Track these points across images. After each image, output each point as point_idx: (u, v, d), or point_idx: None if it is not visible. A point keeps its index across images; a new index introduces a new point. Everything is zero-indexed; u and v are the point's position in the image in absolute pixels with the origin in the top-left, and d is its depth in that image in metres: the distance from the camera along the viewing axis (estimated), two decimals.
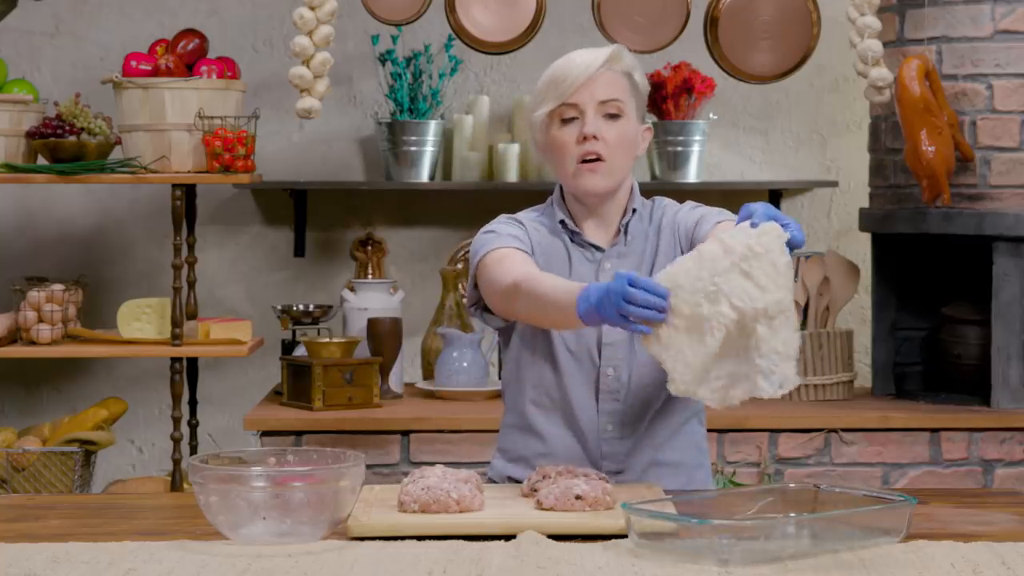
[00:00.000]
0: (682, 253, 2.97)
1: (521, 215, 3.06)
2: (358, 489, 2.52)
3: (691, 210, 3.04)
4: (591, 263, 2.99)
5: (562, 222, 3.01)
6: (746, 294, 2.53)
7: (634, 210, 3.02)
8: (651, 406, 3.00)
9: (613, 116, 2.94)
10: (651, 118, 5.00)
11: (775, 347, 2.54)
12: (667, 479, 2.96)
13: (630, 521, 2.41)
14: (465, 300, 3.10)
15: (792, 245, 2.59)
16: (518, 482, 3.03)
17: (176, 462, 4.60)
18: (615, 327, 2.66)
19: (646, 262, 3.00)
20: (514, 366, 3.06)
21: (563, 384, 3.00)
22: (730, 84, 4.89)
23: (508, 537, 2.46)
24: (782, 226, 2.59)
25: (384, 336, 4.64)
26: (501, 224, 3.01)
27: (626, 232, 3.01)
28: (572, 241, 3.01)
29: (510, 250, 2.91)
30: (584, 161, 2.94)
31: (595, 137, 2.92)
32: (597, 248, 3.00)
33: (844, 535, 2.43)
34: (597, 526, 2.51)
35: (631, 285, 2.58)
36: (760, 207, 2.61)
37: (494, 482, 3.08)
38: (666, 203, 3.09)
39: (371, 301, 4.73)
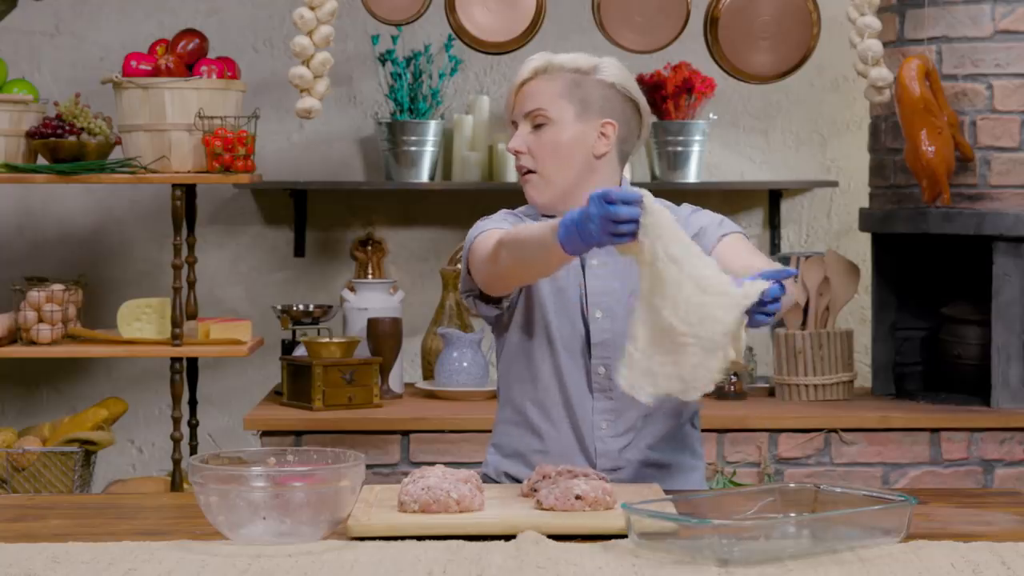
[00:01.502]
0: None
1: (519, 211, 3.09)
2: (358, 489, 2.53)
3: (691, 215, 3.03)
4: (578, 259, 3.01)
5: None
6: (684, 304, 2.50)
7: None
8: (644, 406, 3.00)
9: (539, 126, 2.98)
10: (651, 118, 4.99)
11: (676, 367, 2.53)
12: (660, 480, 2.96)
13: (630, 521, 2.41)
14: (459, 288, 3.11)
15: (763, 309, 2.54)
16: (514, 478, 3.05)
17: (176, 462, 4.60)
18: (602, 247, 2.62)
19: None
20: (510, 361, 3.06)
21: (560, 380, 3.01)
22: (730, 84, 4.89)
23: (508, 537, 2.46)
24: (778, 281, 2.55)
25: (384, 336, 4.64)
26: (496, 215, 3.05)
27: None
28: None
29: (499, 230, 2.93)
30: (523, 175, 3.02)
31: (519, 151, 2.99)
32: None
33: (844, 535, 2.43)
34: (597, 526, 2.51)
35: (609, 203, 2.53)
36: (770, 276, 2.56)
37: (489, 477, 3.09)
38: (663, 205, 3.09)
39: (371, 301, 4.73)
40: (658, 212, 2.54)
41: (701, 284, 2.52)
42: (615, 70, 3.03)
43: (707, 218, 3.02)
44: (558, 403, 3.02)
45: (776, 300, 2.55)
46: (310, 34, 4.36)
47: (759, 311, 2.55)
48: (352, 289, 4.79)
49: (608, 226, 2.54)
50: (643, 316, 2.54)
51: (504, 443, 3.10)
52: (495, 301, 3.01)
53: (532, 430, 3.05)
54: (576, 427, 3.01)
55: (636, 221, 2.53)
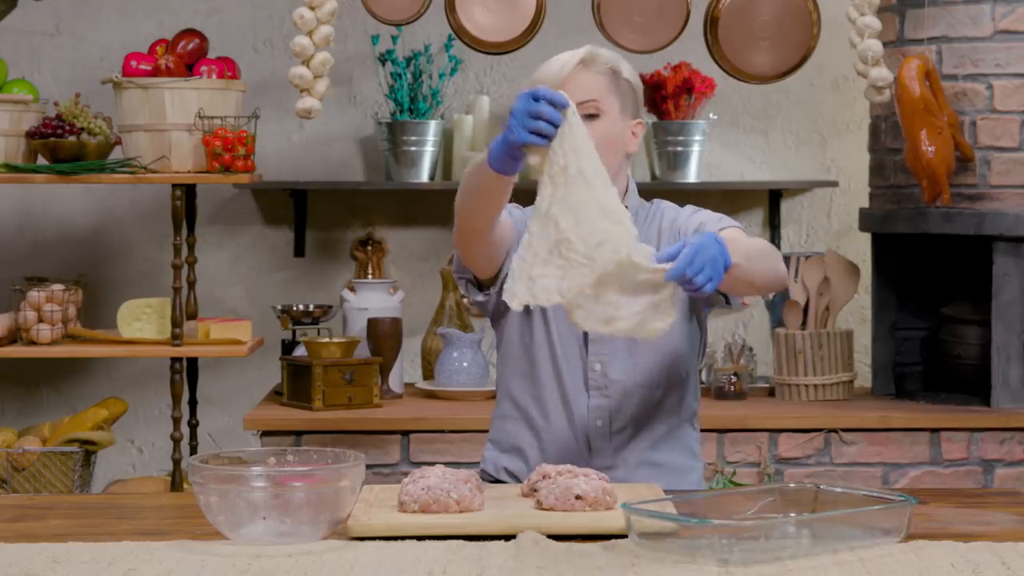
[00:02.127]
0: None
1: (528, 210, 3.10)
2: (358, 489, 2.53)
3: (692, 215, 3.04)
4: None
5: None
6: (587, 222, 2.49)
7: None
8: (641, 405, 3.01)
9: (591, 116, 2.95)
10: (651, 118, 5.00)
11: (558, 280, 2.52)
12: (657, 479, 2.96)
13: (630, 521, 2.41)
14: (452, 271, 3.11)
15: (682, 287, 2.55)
16: (512, 474, 3.05)
17: (176, 462, 4.60)
18: (520, 149, 2.61)
19: None
20: (508, 357, 3.07)
21: (558, 377, 3.02)
22: (730, 84, 4.89)
23: (508, 537, 2.46)
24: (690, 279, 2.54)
25: (384, 336, 4.64)
26: None
27: None
28: None
29: None
30: None
31: None
32: None
33: (844, 535, 2.43)
34: (597, 526, 2.51)
35: (535, 99, 2.56)
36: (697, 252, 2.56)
37: (488, 473, 3.09)
38: (665, 206, 3.09)
39: (371, 301, 4.73)
40: (579, 128, 2.56)
41: (607, 210, 2.52)
42: (634, 72, 3.04)
43: (707, 215, 3.03)
44: (555, 399, 3.03)
45: (691, 280, 2.53)
46: (310, 34, 4.36)
47: (687, 287, 2.54)
48: (352, 289, 4.79)
49: (527, 121, 2.56)
50: (537, 226, 2.54)
51: (502, 439, 3.11)
52: (486, 288, 3.02)
53: (529, 426, 3.06)
54: (572, 424, 3.02)
55: (555, 125, 2.55)
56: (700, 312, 3.07)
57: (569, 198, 2.52)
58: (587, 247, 2.50)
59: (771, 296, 4.88)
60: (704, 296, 2.61)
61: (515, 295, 2.54)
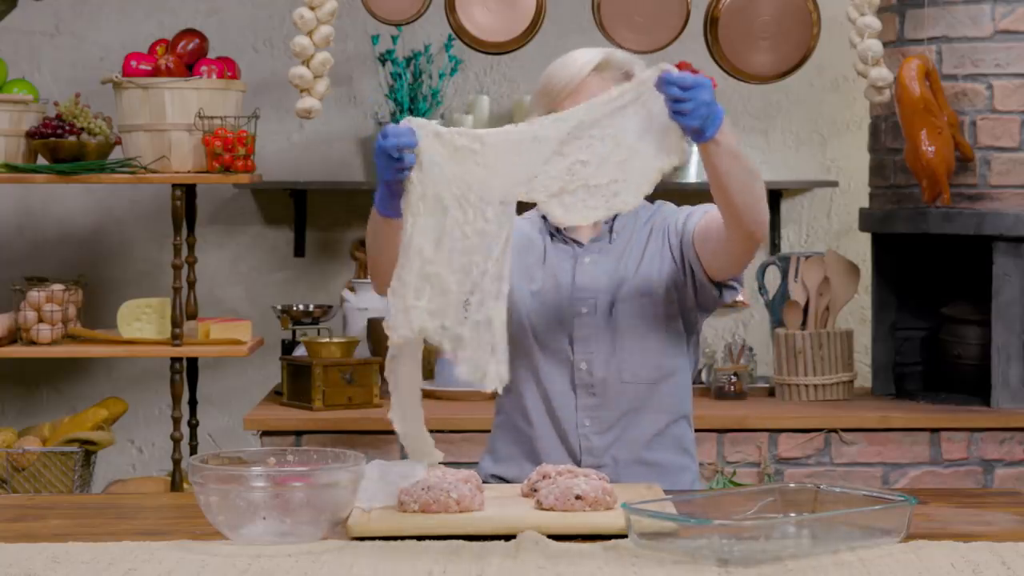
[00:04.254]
0: (671, 252, 2.99)
1: (528, 215, 3.09)
2: (358, 489, 2.53)
3: (681, 209, 3.06)
4: (569, 257, 3.01)
5: (544, 217, 3.04)
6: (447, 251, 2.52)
7: None
8: (630, 403, 3.01)
9: None
10: None
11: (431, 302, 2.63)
12: (649, 478, 2.96)
13: (630, 521, 2.41)
14: None
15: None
16: (502, 479, 3.05)
17: (176, 462, 4.60)
18: (397, 188, 2.63)
19: (630, 260, 3.01)
20: None
21: (537, 380, 3.02)
22: (730, 84, 4.89)
23: (508, 537, 2.46)
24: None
25: (384, 336, 4.62)
26: None
27: (611, 230, 3.03)
28: (551, 237, 3.03)
29: None
30: None
31: None
32: (577, 243, 3.02)
33: (844, 535, 2.43)
34: (597, 526, 2.51)
35: (383, 136, 2.59)
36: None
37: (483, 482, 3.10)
38: (667, 208, 3.10)
39: (371, 301, 4.73)
40: (430, 151, 2.57)
41: (465, 230, 2.54)
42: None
43: (694, 207, 3.04)
44: (537, 403, 3.03)
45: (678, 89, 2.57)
46: (310, 34, 4.35)
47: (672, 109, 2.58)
48: (352, 289, 4.79)
49: (387, 161, 2.60)
50: (403, 258, 2.60)
51: (498, 448, 3.12)
52: None
53: (517, 432, 3.06)
54: (558, 425, 3.02)
55: (408, 160, 2.58)
56: (690, 313, 3.05)
57: (428, 225, 2.55)
58: (451, 271, 2.56)
59: (770, 296, 4.87)
60: (692, 131, 2.60)
61: (395, 328, 2.58)
